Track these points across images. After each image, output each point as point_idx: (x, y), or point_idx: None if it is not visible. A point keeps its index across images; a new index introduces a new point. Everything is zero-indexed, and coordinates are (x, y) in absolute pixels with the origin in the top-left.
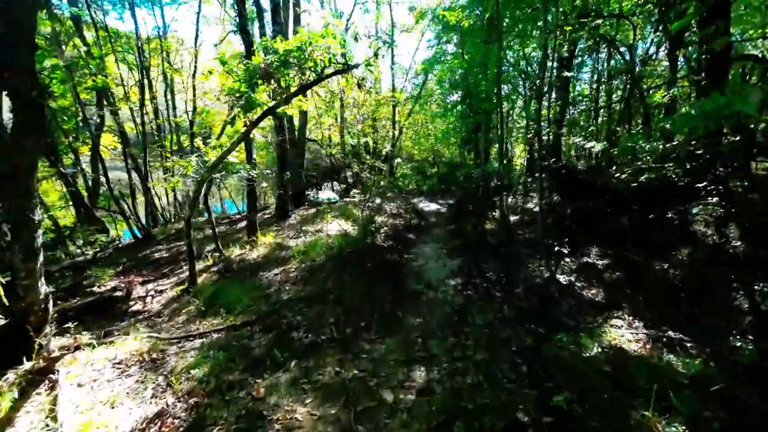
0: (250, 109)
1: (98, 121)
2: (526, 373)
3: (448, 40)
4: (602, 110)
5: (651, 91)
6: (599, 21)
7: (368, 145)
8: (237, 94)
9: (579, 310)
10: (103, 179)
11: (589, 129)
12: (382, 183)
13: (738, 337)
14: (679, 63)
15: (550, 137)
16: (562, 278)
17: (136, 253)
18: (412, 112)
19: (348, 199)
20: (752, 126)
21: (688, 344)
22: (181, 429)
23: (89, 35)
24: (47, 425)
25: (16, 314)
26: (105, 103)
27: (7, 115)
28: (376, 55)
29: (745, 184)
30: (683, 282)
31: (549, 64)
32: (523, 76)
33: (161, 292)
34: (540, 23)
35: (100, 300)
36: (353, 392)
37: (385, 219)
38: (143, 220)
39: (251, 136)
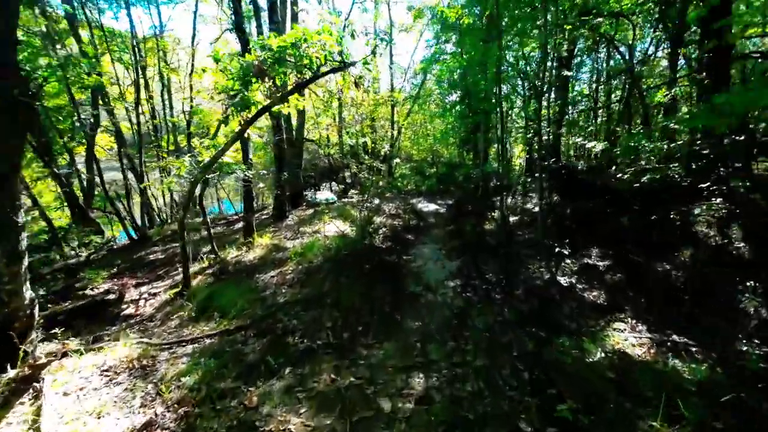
0: (244, 107)
1: (92, 121)
2: (528, 379)
3: (447, 40)
4: (601, 110)
5: (650, 91)
6: (599, 20)
7: (367, 145)
8: (231, 93)
9: (580, 312)
10: (98, 180)
11: (589, 129)
12: (380, 183)
13: (744, 341)
14: (679, 63)
15: (550, 137)
16: (563, 280)
17: (131, 254)
18: (411, 112)
19: (346, 200)
20: (751, 126)
21: (693, 348)
22: None
23: (84, 34)
24: None
25: (0, 320)
26: (101, 102)
27: None
28: (373, 52)
29: (747, 184)
30: (686, 284)
31: (548, 63)
32: (522, 75)
33: (155, 294)
34: (539, 22)
35: (92, 303)
36: (349, 401)
37: (384, 220)
38: (139, 221)
39: (247, 135)
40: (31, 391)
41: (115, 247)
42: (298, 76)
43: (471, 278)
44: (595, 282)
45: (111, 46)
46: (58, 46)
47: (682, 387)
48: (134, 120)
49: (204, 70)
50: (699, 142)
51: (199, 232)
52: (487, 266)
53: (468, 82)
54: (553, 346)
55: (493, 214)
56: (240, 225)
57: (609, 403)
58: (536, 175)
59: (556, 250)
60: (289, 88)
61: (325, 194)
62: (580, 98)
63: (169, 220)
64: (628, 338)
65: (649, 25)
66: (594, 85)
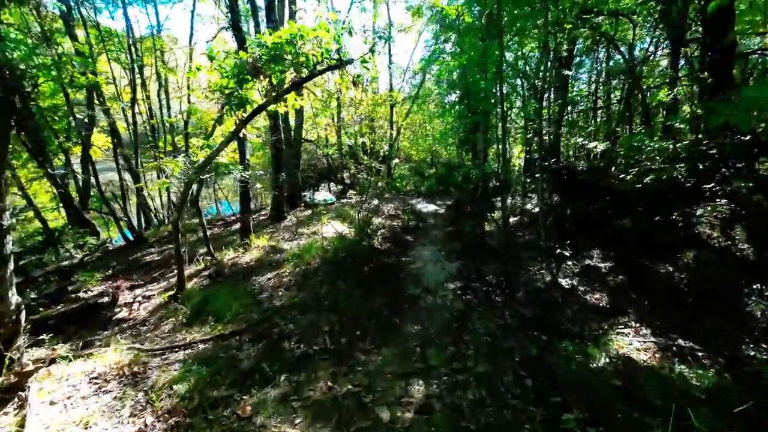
0: (239, 106)
1: (86, 120)
2: (531, 387)
3: (446, 40)
4: (600, 110)
5: (651, 91)
6: (599, 19)
7: (365, 146)
8: (226, 91)
9: (583, 316)
10: (95, 180)
11: (588, 129)
12: (379, 184)
13: (751, 345)
14: (679, 63)
15: (550, 137)
16: (564, 282)
17: (126, 256)
18: (410, 112)
19: (345, 201)
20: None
21: (700, 353)
22: None
23: (81, 33)
24: None
25: None
26: (97, 102)
27: None
28: (372, 50)
29: (750, 185)
30: (689, 286)
31: (548, 63)
32: (521, 75)
33: (149, 297)
34: (540, 21)
35: (84, 307)
36: (347, 410)
37: (383, 221)
38: (135, 223)
39: (243, 135)
40: (16, 400)
41: (110, 248)
42: (295, 75)
43: (471, 280)
44: (597, 284)
45: (108, 45)
46: (54, 46)
47: (690, 395)
48: (130, 120)
49: (198, 69)
50: (706, 141)
51: (196, 234)
52: (487, 268)
53: (468, 81)
54: (556, 351)
55: (492, 214)
56: (238, 226)
57: (616, 413)
58: (536, 175)
59: (557, 251)
60: (286, 87)
61: (323, 195)
62: (579, 98)
63: (166, 221)
64: (632, 342)
65: (648, 25)
66: (594, 85)
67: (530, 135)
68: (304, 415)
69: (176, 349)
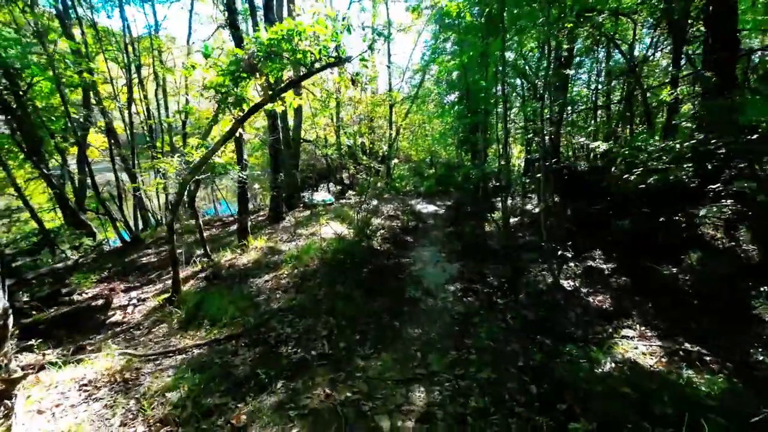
0: (235, 105)
1: (81, 120)
2: (536, 394)
3: (445, 39)
4: (600, 111)
5: (652, 90)
6: (600, 18)
7: (364, 146)
8: (222, 89)
9: (586, 318)
10: (90, 181)
11: (588, 129)
12: (378, 184)
13: (760, 349)
14: (681, 62)
15: (551, 137)
16: (567, 284)
17: (123, 257)
18: (409, 112)
19: (344, 201)
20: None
21: (707, 358)
22: None
23: (77, 33)
24: None
25: None
26: (93, 102)
27: None
28: (371, 48)
29: (753, 185)
30: (693, 288)
31: (549, 62)
32: (521, 75)
33: (144, 300)
34: (540, 20)
35: (77, 310)
36: (345, 419)
37: (382, 221)
38: (132, 224)
39: (240, 134)
40: (2, 408)
41: (106, 249)
42: (294, 73)
43: (472, 282)
44: (600, 286)
45: (105, 45)
46: (50, 44)
47: (701, 402)
48: (128, 120)
49: (193, 66)
50: (714, 141)
51: (193, 235)
52: (488, 269)
53: (467, 81)
54: (561, 355)
55: (492, 215)
56: (236, 227)
57: (626, 422)
58: (537, 175)
59: (559, 252)
60: (283, 85)
61: (322, 195)
62: (579, 98)
63: (164, 222)
64: (637, 346)
65: (648, 25)
66: (594, 85)
67: (531, 135)
68: (301, 424)
69: (170, 355)
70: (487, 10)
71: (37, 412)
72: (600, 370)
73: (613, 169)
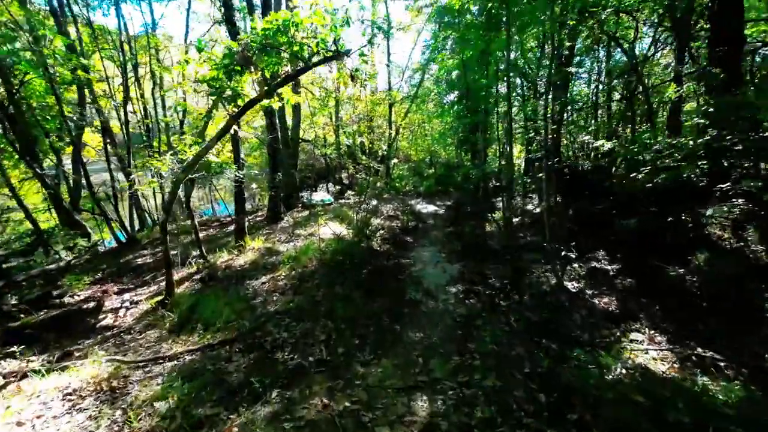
0: (229, 100)
1: (75, 118)
2: (545, 403)
3: (446, 37)
4: (601, 110)
5: (654, 89)
6: (603, 16)
7: (364, 146)
8: (215, 84)
9: (592, 321)
10: (85, 181)
11: (590, 129)
12: (378, 184)
13: None
14: (684, 59)
15: (553, 135)
16: (571, 285)
17: (117, 258)
18: (409, 112)
19: (343, 201)
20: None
21: (722, 363)
22: None
23: (72, 31)
24: None
25: None
26: (88, 100)
27: None
28: (370, 42)
29: (759, 184)
30: (701, 289)
31: (550, 60)
32: (521, 75)
33: (137, 302)
34: (543, 17)
35: (67, 313)
36: (344, 431)
37: (382, 221)
38: (129, 224)
39: (235, 131)
40: None
41: (102, 250)
42: (292, 68)
43: (473, 283)
44: (605, 287)
45: (101, 44)
46: (44, 40)
47: (718, 411)
48: (126, 120)
49: (187, 61)
50: (729, 137)
51: (190, 235)
52: (489, 270)
53: (468, 79)
54: (568, 360)
55: (493, 215)
56: (233, 227)
57: None
58: (539, 175)
59: (562, 253)
60: (280, 80)
61: (321, 195)
62: (579, 97)
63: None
64: (647, 351)
65: (649, 24)
66: (595, 84)
67: (532, 134)
68: None
69: (160, 361)
70: (489, 5)
71: (16, 424)
72: (610, 376)
73: (614, 169)
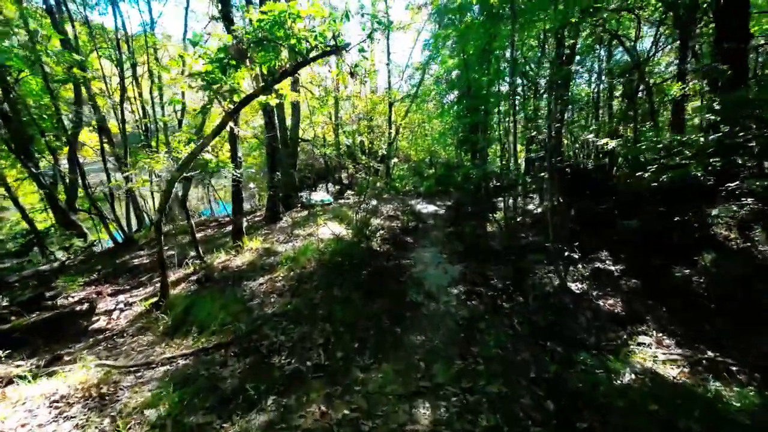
0: (224, 95)
1: (71, 116)
2: (552, 411)
3: (446, 36)
4: (602, 109)
5: (656, 87)
6: (606, 14)
7: (364, 145)
8: (209, 78)
9: (598, 323)
10: (82, 180)
11: (591, 128)
12: (378, 184)
13: None
14: (688, 57)
15: (556, 134)
16: (575, 286)
17: (114, 259)
18: (409, 112)
19: (342, 201)
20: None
21: (733, 368)
22: None
23: (69, 30)
24: None
25: None
26: (86, 97)
27: None
28: (370, 36)
29: (766, 183)
30: (708, 290)
31: (555, 56)
32: (522, 74)
33: (131, 304)
34: (543, 15)
35: (59, 316)
36: None
37: (382, 221)
38: (126, 224)
39: (231, 128)
40: None
41: (97, 251)
42: (289, 63)
43: (475, 284)
44: (609, 288)
45: (99, 43)
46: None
47: (733, 419)
48: (123, 119)
49: (182, 56)
50: (742, 133)
51: (188, 235)
52: (491, 271)
53: (469, 78)
54: (575, 365)
55: (494, 215)
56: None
57: None
58: (541, 175)
59: (566, 253)
60: (277, 75)
61: (320, 195)
62: (580, 97)
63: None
64: (656, 355)
65: (653, 21)
66: (596, 84)
67: (534, 133)
68: None
69: (153, 366)
70: (492, 1)
71: None
72: (619, 381)
73: (615, 169)
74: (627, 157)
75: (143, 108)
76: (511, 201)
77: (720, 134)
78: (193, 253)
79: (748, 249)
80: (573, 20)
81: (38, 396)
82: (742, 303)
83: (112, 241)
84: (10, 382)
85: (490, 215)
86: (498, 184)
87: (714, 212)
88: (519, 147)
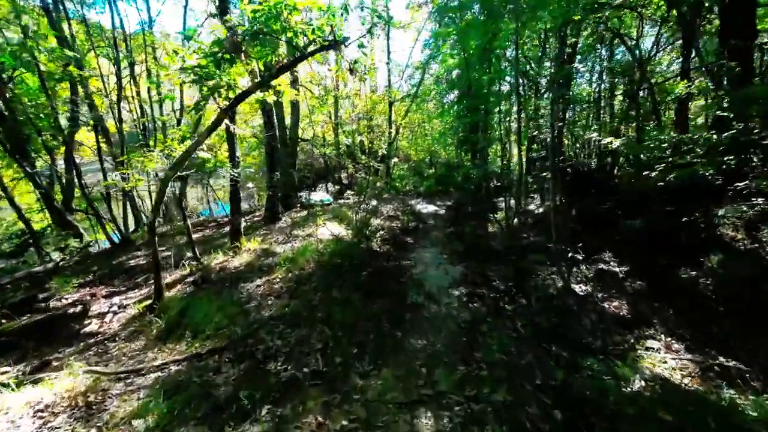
0: (216, 90)
1: (68, 116)
2: (561, 420)
3: (447, 34)
4: (603, 108)
5: (659, 86)
6: (607, 13)
7: (363, 145)
8: (201, 72)
9: (603, 326)
10: (78, 180)
11: (592, 127)
12: (378, 184)
13: None
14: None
15: (558, 133)
16: (578, 288)
17: (110, 259)
18: (409, 111)
19: (342, 201)
20: None
21: (747, 374)
22: None
23: (66, 28)
24: None
25: None
26: (82, 95)
27: None
28: (370, 31)
29: None
30: (716, 292)
31: (559, 53)
32: (522, 74)
33: (125, 307)
34: (545, 12)
35: (51, 319)
36: None
37: (381, 222)
38: (123, 224)
39: (227, 126)
40: None
41: (93, 251)
42: (288, 57)
43: (476, 286)
44: (614, 290)
45: (97, 42)
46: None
47: (749, 428)
48: (119, 117)
49: (176, 51)
50: (757, 130)
51: (185, 236)
52: (492, 272)
53: (470, 77)
54: (582, 370)
55: (495, 215)
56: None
57: None
58: (542, 174)
59: (569, 254)
60: (274, 71)
61: (320, 195)
62: (581, 96)
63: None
64: (665, 360)
65: (652, 23)
66: (597, 83)
67: (535, 132)
68: None
69: (143, 372)
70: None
71: None
72: (628, 388)
73: (616, 168)
74: (629, 157)
75: (141, 107)
76: (512, 201)
77: (734, 131)
78: (189, 254)
79: (756, 250)
80: (576, 18)
81: (22, 405)
82: (749, 304)
83: (109, 242)
84: None
85: (491, 215)
86: (498, 184)
87: (720, 212)
88: (520, 146)
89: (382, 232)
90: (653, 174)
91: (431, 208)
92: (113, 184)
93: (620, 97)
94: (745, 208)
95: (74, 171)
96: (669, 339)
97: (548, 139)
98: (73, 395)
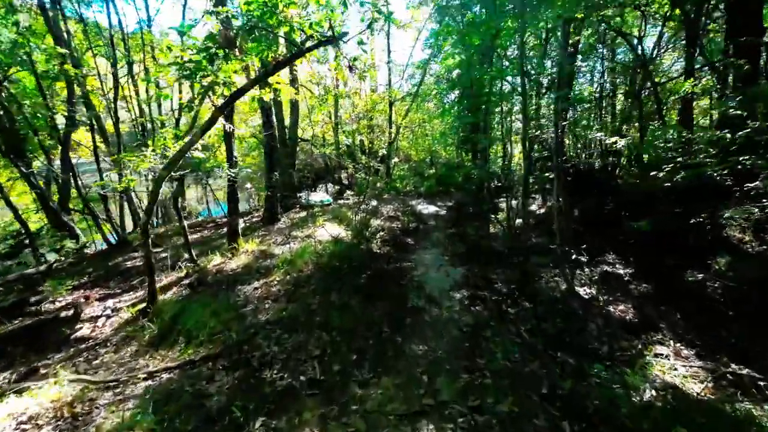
0: (211, 87)
1: (65, 115)
2: None
3: (449, 33)
4: (605, 108)
5: (662, 85)
6: (610, 11)
7: (363, 145)
8: (191, 66)
9: (609, 331)
10: (75, 181)
11: (594, 127)
12: (378, 184)
13: None
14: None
15: (560, 132)
16: (583, 291)
17: (106, 261)
18: (409, 111)
19: (342, 201)
20: None
21: (761, 382)
22: None
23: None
24: None
25: None
26: (79, 94)
27: None
28: (370, 27)
29: None
30: (724, 295)
31: (562, 51)
32: (523, 74)
33: (119, 310)
34: (548, 11)
35: (41, 323)
36: None
37: (382, 222)
38: (120, 225)
39: (223, 125)
40: None
41: (90, 252)
42: (285, 53)
43: (478, 288)
44: (619, 293)
45: (95, 41)
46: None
47: None
48: (115, 117)
49: (170, 48)
50: None
51: (182, 237)
52: (495, 274)
53: (471, 73)
54: (589, 378)
55: (496, 216)
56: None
57: None
58: (545, 175)
59: (573, 256)
60: (271, 67)
61: (320, 195)
62: (583, 96)
63: (155, 224)
64: (675, 367)
65: (654, 23)
66: (599, 82)
67: (537, 132)
68: None
69: (133, 381)
70: None
71: None
72: (638, 398)
73: (618, 169)
74: (631, 157)
75: (140, 107)
76: (513, 201)
77: (749, 130)
78: (186, 256)
79: (764, 252)
80: (579, 15)
81: (5, 416)
82: (757, 307)
83: (106, 243)
84: None
85: (492, 216)
86: (500, 184)
87: (728, 214)
88: (520, 147)
89: (382, 233)
90: (661, 174)
91: (432, 208)
92: (107, 185)
93: (621, 97)
94: (753, 210)
95: (71, 171)
96: (678, 344)
97: (551, 139)
98: (59, 406)
